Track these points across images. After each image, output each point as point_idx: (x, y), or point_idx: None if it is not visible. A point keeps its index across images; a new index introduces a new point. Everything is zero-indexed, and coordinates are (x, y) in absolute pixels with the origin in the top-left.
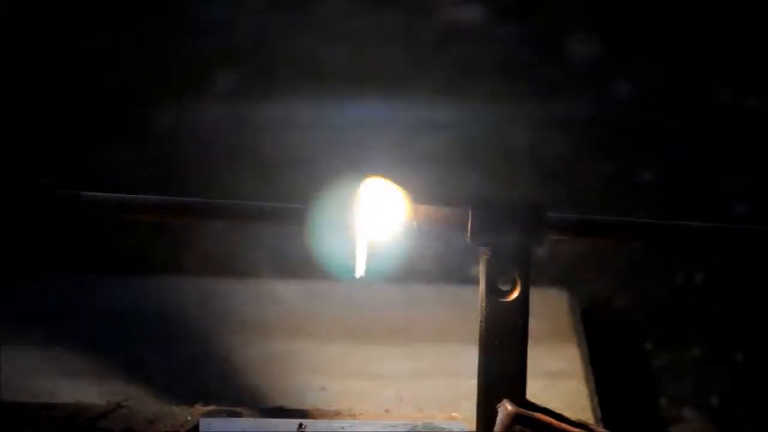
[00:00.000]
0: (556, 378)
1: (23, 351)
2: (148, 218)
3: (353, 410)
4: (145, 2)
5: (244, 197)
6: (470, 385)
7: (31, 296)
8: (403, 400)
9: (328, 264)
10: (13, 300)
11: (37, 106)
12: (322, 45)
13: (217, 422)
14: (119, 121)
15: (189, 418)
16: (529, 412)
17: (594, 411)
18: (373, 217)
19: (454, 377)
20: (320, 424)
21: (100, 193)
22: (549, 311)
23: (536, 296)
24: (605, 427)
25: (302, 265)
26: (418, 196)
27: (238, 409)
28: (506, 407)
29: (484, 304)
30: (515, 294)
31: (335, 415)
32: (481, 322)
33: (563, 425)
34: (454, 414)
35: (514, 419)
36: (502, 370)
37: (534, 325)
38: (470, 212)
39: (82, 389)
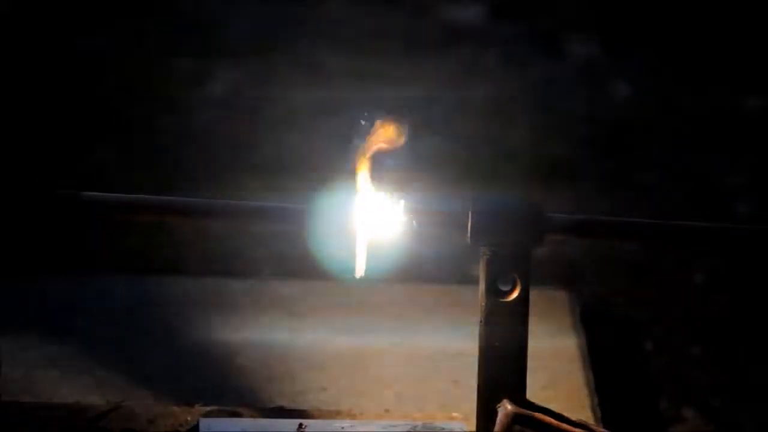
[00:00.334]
0: (556, 378)
1: (23, 351)
2: (148, 218)
3: (353, 410)
4: (145, 2)
5: (244, 197)
6: (470, 385)
7: (31, 296)
8: (403, 400)
9: (328, 264)
10: (13, 300)
11: (37, 106)
12: (322, 45)
13: (217, 422)
14: (119, 122)
15: (189, 418)
16: (529, 412)
17: (594, 411)
18: (373, 217)
19: (454, 377)
20: (320, 424)
21: (100, 193)
22: (549, 311)
23: (536, 296)
24: (605, 427)
25: (302, 265)
26: (418, 197)
27: (238, 409)
28: (506, 407)
29: (484, 304)
30: (515, 294)
31: (335, 415)
32: (481, 322)
33: (563, 425)
34: (454, 414)
35: (514, 419)
36: (502, 370)
37: (534, 325)
38: (470, 212)
39: (82, 389)
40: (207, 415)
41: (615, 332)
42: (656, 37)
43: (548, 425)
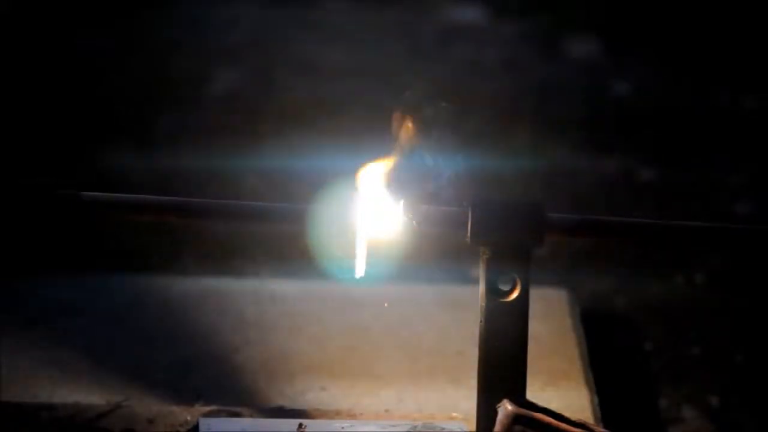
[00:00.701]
0: (556, 378)
1: (23, 351)
2: (148, 218)
3: (353, 410)
4: (145, 2)
5: (244, 197)
6: (470, 385)
7: (31, 296)
8: (403, 400)
9: (328, 264)
10: (13, 300)
11: (37, 107)
12: (323, 45)
13: (217, 422)
14: (119, 122)
15: (189, 418)
16: (529, 412)
17: (594, 411)
18: (373, 217)
19: (454, 377)
20: (320, 424)
21: (100, 193)
22: (549, 311)
23: (536, 296)
24: (605, 427)
25: (302, 265)
26: (418, 196)
27: (238, 409)
28: (506, 407)
29: (484, 304)
30: (515, 294)
31: (335, 415)
32: (481, 322)
33: (563, 425)
34: (454, 414)
35: (514, 419)
36: (502, 370)
37: (534, 325)
38: (470, 212)
39: (82, 389)
40: (207, 415)
41: (615, 332)
42: (656, 37)
43: (548, 425)
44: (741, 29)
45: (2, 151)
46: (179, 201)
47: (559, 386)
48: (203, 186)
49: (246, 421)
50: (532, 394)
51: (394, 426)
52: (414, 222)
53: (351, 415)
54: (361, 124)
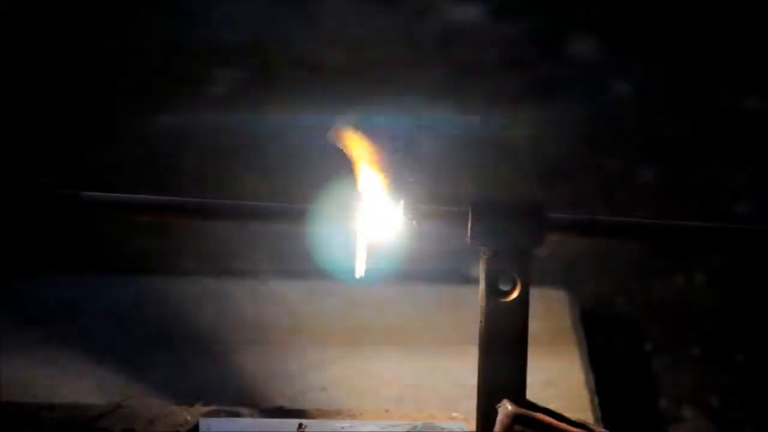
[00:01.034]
0: (556, 378)
1: (23, 351)
2: (148, 218)
3: (353, 410)
4: (144, 2)
5: (244, 197)
6: (470, 385)
7: (31, 296)
8: (403, 400)
9: (328, 264)
10: (13, 300)
11: (37, 106)
12: (322, 45)
13: (217, 422)
14: (119, 121)
15: (189, 418)
16: (529, 412)
17: (594, 411)
18: (373, 217)
19: (454, 377)
20: (320, 424)
21: (100, 193)
22: (549, 311)
23: (536, 296)
24: (605, 427)
25: (302, 265)
26: (418, 196)
27: (238, 409)
28: (506, 407)
29: (484, 304)
30: (515, 294)
31: (335, 415)
32: (481, 322)
33: (563, 425)
34: (454, 414)
35: (514, 419)
36: (502, 370)
37: (534, 325)
38: (470, 212)
39: (82, 389)
40: (207, 415)
41: (615, 332)
42: (656, 37)
43: (548, 425)
44: (741, 29)
45: (2, 151)
46: (179, 201)
47: (559, 386)
48: (203, 186)
49: (246, 421)
50: (532, 394)
51: (394, 426)
52: (414, 222)
53: (351, 415)
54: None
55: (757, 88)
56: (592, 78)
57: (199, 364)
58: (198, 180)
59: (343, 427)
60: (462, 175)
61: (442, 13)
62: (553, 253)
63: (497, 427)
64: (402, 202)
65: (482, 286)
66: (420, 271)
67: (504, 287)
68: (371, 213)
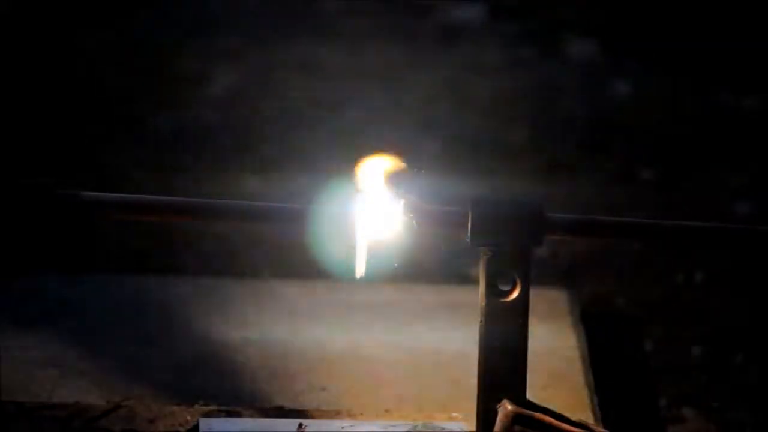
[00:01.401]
0: (556, 378)
1: (23, 351)
2: (148, 218)
3: (353, 410)
4: (145, 2)
5: (244, 197)
6: (470, 385)
7: (31, 296)
8: (403, 400)
9: (328, 264)
10: (13, 300)
11: (37, 107)
12: (322, 45)
13: (217, 422)
14: (119, 121)
15: (189, 418)
16: (529, 412)
17: (594, 411)
18: (373, 217)
19: (454, 377)
20: (320, 424)
21: (100, 193)
22: (549, 311)
23: (536, 296)
24: (605, 427)
25: (302, 265)
26: (418, 196)
27: (238, 409)
28: (506, 407)
29: (484, 304)
30: (515, 294)
31: (335, 415)
32: (481, 322)
33: (563, 425)
34: (454, 414)
35: (514, 419)
36: (502, 370)
37: (534, 325)
38: (470, 212)
39: (82, 389)
40: (207, 414)
41: (615, 332)
42: (656, 38)
43: (548, 425)
44: (741, 29)
45: (2, 151)
46: (179, 201)
47: (559, 386)
48: (203, 186)
49: (246, 421)
50: (532, 394)
51: (394, 426)
52: (414, 222)
53: (351, 415)
54: (361, 125)
55: (757, 88)
56: (592, 78)
57: (199, 364)
58: (198, 180)
59: (343, 427)
60: (462, 175)
61: (443, 13)
62: (553, 253)
63: (497, 427)
64: (402, 202)
65: (482, 286)
66: (420, 271)
67: (504, 287)
68: (371, 213)
